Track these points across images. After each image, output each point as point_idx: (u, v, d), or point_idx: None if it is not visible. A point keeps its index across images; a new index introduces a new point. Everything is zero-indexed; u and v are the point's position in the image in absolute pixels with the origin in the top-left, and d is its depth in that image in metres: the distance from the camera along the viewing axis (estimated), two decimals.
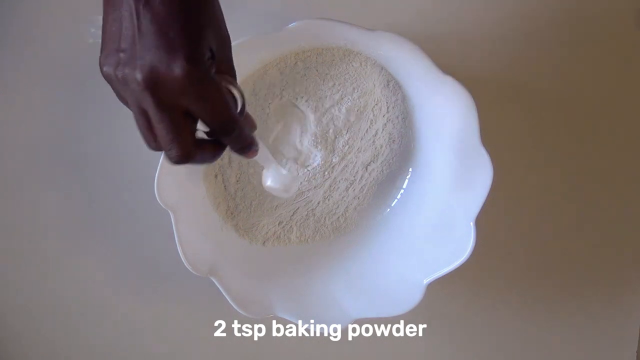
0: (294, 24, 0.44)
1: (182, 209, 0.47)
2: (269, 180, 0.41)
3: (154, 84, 0.29)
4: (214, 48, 0.32)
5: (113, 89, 0.32)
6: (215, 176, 0.53)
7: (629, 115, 0.57)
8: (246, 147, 0.35)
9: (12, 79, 0.55)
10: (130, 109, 0.32)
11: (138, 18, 0.29)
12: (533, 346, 0.60)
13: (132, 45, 0.30)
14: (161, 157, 0.44)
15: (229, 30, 0.34)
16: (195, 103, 0.31)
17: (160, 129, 0.31)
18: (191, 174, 0.50)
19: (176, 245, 0.46)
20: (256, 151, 0.36)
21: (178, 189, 0.47)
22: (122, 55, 0.30)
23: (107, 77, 0.31)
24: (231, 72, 0.34)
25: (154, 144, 0.32)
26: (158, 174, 0.45)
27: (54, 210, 0.57)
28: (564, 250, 0.59)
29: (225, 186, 0.53)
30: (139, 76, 0.29)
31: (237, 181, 0.53)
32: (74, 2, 0.54)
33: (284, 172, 0.41)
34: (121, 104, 0.33)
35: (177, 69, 0.29)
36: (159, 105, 0.30)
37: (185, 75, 0.29)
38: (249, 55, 0.48)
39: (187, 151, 0.32)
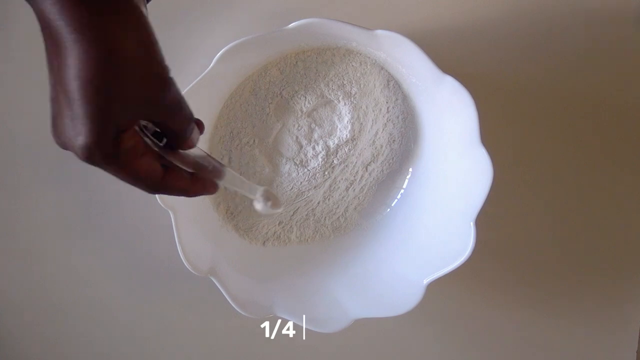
0: (294, 24, 0.44)
1: (182, 209, 0.47)
2: (259, 205, 0.40)
3: (76, 153, 0.29)
4: (149, 114, 0.30)
5: None
6: None
7: (629, 115, 0.57)
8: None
9: (12, 78, 0.55)
10: None
11: (57, 87, 0.29)
12: (533, 346, 0.60)
13: (53, 113, 0.29)
14: None
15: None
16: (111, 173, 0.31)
17: None
18: None
19: (176, 245, 0.46)
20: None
21: None
22: (54, 120, 0.30)
23: None
24: (180, 131, 0.32)
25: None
26: None
27: (54, 210, 0.57)
28: (564, 250, 0.59)
29: (225, 186, 0.53)
30: (61, 145, 0.29)
31: None
32: None
33: (260, 191, 0.40)
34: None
35: (79, 151, 0.28)
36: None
37: (86, 159, 0.29)
38: (249, 54, 0.47)
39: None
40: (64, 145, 0.29)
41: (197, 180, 0.35)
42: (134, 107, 0.29)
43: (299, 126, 0.53)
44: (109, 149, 0.29)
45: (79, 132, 0.28)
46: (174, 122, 0.31)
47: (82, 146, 0.28)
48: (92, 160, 0.29)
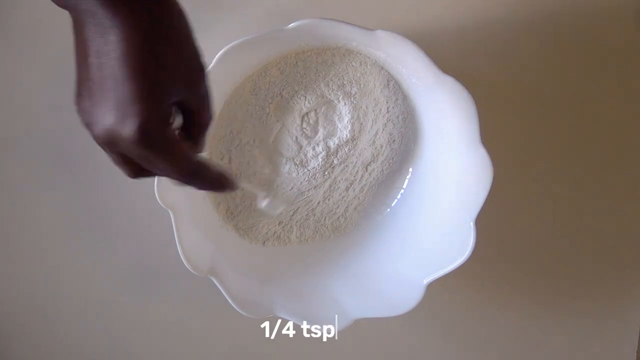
0: (294, 24, 0.44)
1: (182, 208, 0.47)
2: (264, 203, 0.44)
3: (108, 141, 0.29)
4: (185, 100, 0.30)
5: None
6: None
7: (628, 115, 0.57)
8: (214, 188, 0.34)
9: (12, 78, 0.55)
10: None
11: (100, 69, 0.28)
12: (533, 346, 0.60)
13: (91, 96, 0.28)
14: None
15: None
16: (149, 164, 0.30)
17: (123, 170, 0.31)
18: None
19: (176, 245, 0.45)
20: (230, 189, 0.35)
21: (178, 189, 0.47)
22: (85, 103, 0.29)
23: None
24: (204, 124, 0.33)
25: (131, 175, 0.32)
26: None
27: (54, 210, 0.57)
28: (564, 250, 0.59)
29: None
30: (95, 131, 0.29)
31: None
32: None
33: (265, 197, 0.44)
34: None
35: (129, 134, 0.28)
36: (116, 156, 0.30)
37: (137, 142, 0.28)
38: (249, 54, 0.48)
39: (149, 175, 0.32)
40: (105, 131, 0.28)
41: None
42: (178, 90, 0.29)
43: (299, 126, 0.53)
44: (162, 130, 0.29)
45: (130, 114, 0.28)
46: (203, 113, 0.32)
47: (137, 127, 0.28)
48: (145, 142, 0.28)
